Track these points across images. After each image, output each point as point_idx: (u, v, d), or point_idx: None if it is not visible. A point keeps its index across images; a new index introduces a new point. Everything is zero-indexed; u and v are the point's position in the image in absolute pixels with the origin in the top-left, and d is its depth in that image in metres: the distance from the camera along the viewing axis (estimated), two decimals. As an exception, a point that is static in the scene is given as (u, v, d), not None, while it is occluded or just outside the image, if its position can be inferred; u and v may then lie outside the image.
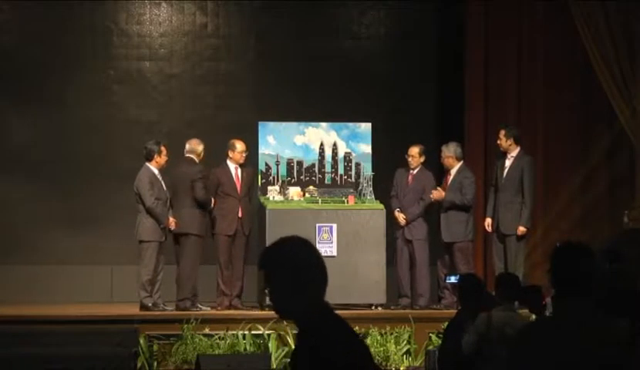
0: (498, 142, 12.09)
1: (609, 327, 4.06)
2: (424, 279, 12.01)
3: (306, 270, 3.71)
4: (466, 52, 13.63)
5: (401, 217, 12.08)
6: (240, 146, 11.99)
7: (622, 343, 4.05)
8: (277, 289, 3.70)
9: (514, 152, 12.02)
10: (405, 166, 12.24)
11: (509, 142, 12.00)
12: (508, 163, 12.00)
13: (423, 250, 12.05)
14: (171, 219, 11.57)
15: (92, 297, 13.03)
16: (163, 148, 11.71)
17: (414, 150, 12.15)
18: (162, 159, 11.71)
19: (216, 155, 12.08)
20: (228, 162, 11.99)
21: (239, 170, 12.00)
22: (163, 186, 11.67)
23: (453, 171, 12.09)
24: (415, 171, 12.19)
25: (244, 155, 12.00)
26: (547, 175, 13.43)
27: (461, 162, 12.13)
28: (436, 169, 12.49)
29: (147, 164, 11.69)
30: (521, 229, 11.85)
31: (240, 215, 11.88)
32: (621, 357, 3.97)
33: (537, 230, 13.00)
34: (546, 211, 13.33)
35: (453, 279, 8.27)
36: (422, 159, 12.19)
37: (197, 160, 11.85)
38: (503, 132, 12.03)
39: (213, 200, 11.79)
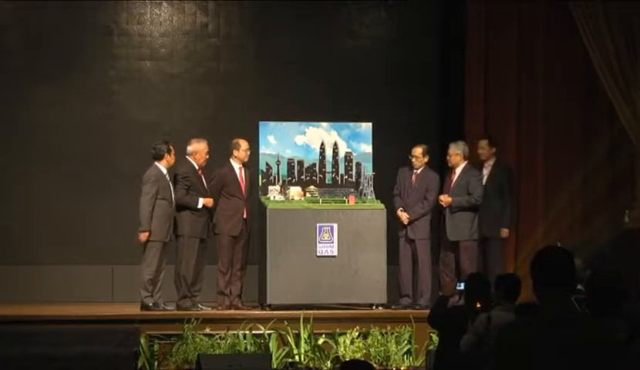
0: (480, 151, 12.39)
1: (599, 326, 4.10)
2: (426, 278, 12.03)
3: None
4: (467, 51, 13.63)
5: (404, 216, 12.07)
6: (244, 144, 12.01)
7: (615, 342, 4.08)
8: None
9: (492, 160, 12.42)
10: (408, 165, 12.25)
11: (492, 150, 12.39)
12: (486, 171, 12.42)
13: (426, 249, 12.07)
14: (144, 234, 11.45)
15: (92, 296, 13.02)
16: (172, 147, 11.73)
17: (417, 150, 12.16)
18: (172, 158, 11.73)
19: (216, 155, 12.08)
20: (232, 161, 12.00)
21: (243, 171, 12.01)
22: (170, 185, 11.67)
23: (458, 170, 12.10)
24: (419, 171, 12.19)
25: (248, 153, 12.02)
26: (547, 175, 13.44)
27: (466, 161, 12.15)
28: (436, 169, 12.49)
29: (156, 163, 11.68)
30: (505, 231, 12.39)
31: (245, 216, 11.89)
32: (608, 356, 3.99)
33: (537, 230, 13.01)
34: (546, 211, 13.34)
35: (463, 286, 8.27)
36: (425, 159, 12.20)
37: (192, 161, 11.82)
38: (486, 141, 12.43)
39: (202, 201, 11.73)
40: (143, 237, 11.50)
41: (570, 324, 4.01)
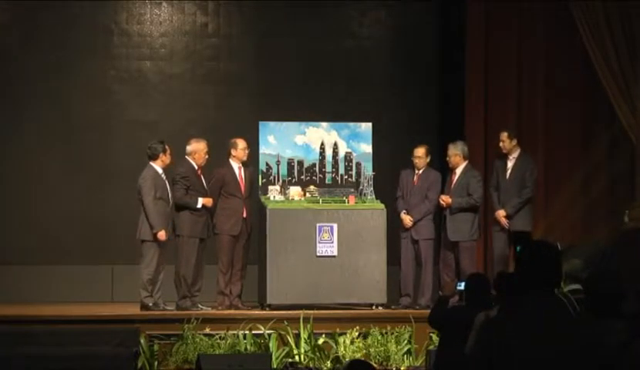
0: (501, 144, 12.15)
1: (597, 327, 4.08)
2: (428, 278, 12.02)
3: None
4: (467, 51, 13.63)
5: (407, 219, 12.05)
6: (242, 143, 12.01)
7: (613, 342, 4.07)
8: None
9: (516, 153, 12.11)
10: (409, 166, 12.24)
11: (514, 143, 12.10)
12: (510, 164, 12.10)
13: (429, 249, 12.06)
14: (162, 232, 11.51)
15: (92, 296, 13.02)
16: (167, 147, 11.72)
17: (420, 151, 12.13)
18: (167, 158, 11.71)
19: (216, 155, 12.08)
20: (231, 161, 12.00)
21: (242, 170, 12.01)
22: (167, 185, 11.67)
23: (459, 171, 12.08)
24: (420, 171, 12.18)
25: (246, 152, 12.01)
26: (547, 174, 13.43)
27: (467, 161, 12.13)
28: (437, 169, 12.48)
29: (151, 163, 11.67)
30: (500, 212, 12.01)
31: (244, 215, 11.89)
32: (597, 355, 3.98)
33: (537, 229, 13.01)
34: (546, 211, 13.34)
35: (463, 286, 8.27)
36: (427, 159, 12.20)
37: (191, 161, 11.81)
38: (506, 134, 12.12)
39: (201, 201, 11.73)
40: (162, 235, 11.47)
41: (565, 323, 3.99)
